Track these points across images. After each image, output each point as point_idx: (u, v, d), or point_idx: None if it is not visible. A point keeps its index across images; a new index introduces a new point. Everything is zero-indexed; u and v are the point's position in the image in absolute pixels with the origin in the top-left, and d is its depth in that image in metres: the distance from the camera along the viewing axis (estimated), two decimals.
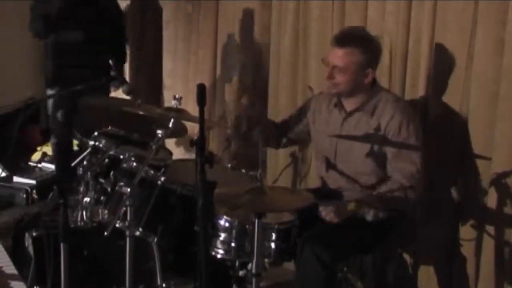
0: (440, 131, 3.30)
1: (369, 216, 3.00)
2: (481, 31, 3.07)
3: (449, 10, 3.22)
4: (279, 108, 4.29)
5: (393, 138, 3.01)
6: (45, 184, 5.02)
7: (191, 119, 3.13)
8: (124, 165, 3.14)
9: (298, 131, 3.42)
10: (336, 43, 3.06)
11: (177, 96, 3.04)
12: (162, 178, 3.03)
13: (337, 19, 3.78)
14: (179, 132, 3.22)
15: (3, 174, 5.01)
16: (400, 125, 3.00)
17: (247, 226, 2.87)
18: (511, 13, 2.92)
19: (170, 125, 2.96)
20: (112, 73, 3.41)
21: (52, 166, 5.24)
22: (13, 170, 5.13)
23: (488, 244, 3.09)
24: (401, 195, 2.95)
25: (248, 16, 4.49)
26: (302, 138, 3.49)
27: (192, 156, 2.38)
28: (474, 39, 3.10)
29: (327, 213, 2.95)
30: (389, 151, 3.04)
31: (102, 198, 3.19)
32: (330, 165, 3.25)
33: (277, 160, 4.27)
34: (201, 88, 2.25)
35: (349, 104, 3.15)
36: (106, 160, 3.27)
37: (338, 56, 3.04)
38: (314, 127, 3.34)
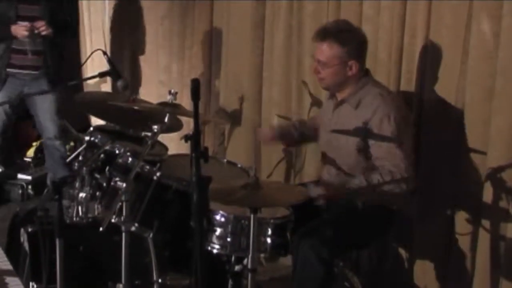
0: (435, 125, 3.30)
1: (360, 204, 2.99)
2: (476, 26, 3.06)
3: (444, 5, 3.21)
4: (272, 103, 4.28)
5: (376, 132, 2.99)
6: (40, 180, 5.01)
7: (186, 113, 3.12)
8: (120, 160, 3.13)
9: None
10: (316, 37, 3.09)
11: (172, 91, 3.03)
12: (158, 173, 3.02)
13: (332, 15, 3.78)
14: (174, 127, 3.22)
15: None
16: (382, 121, 2.98)
17: (242, 221, 2.87)
18: (506, 8, 2.92)
19: (166, 120, 2.95)
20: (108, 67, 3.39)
21: None
22: (8, 166, 5.13)
23: (484, 239, 3.09)
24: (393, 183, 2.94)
25: (242, 11, 4.48)
26: None
27: None
28: (469, 34, 3.10)
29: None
30: (372, 146, 3.02)
31: (97, 193, 3.19)
32: (325, 158, 3.26)
33: (271, 154, 4.27)
34: (195, 83, 2.24)
35: (340, 94, 3.18)
36: (102, 156, 3.27)
37: (320, 50, 3.07)
38: (320, 121, 3.39)
